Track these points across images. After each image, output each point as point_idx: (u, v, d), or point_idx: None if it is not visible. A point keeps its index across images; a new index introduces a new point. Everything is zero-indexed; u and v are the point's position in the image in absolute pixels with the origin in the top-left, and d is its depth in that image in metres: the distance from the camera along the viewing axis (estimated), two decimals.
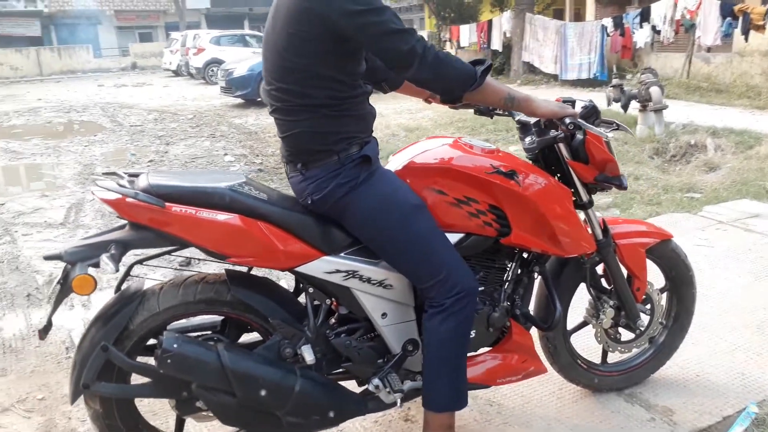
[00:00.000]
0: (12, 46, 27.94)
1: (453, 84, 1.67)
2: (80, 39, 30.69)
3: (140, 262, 1.89)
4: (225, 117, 11.48)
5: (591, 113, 1.99)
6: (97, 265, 1.61)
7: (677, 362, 2.49)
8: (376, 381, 1.88)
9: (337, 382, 1.91)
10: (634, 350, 2.35)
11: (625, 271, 2.19)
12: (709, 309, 2.93)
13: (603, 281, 2.24)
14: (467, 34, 17.21)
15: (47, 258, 1.67)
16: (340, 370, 1.91)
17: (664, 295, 2.37)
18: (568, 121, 1.77)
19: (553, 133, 1.96)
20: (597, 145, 1.95)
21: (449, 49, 18.44)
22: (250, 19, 37.43)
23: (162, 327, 1.81)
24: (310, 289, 1.82)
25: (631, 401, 2.31)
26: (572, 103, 1.95)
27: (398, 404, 1.89)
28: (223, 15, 36.05)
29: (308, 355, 1.76)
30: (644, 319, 2.29)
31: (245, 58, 14.16)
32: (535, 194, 1.87)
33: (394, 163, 1.94)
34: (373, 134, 1.89)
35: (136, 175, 1.76)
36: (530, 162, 2.06)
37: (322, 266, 1.77)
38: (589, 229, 2.09)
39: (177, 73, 22.56)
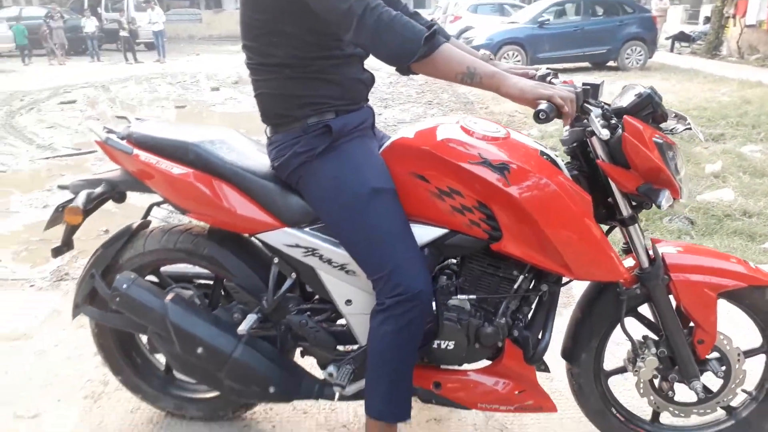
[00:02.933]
0: None
1: (393, 52, 1.40)
2: None
3: (158, 204, 2.00)
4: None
5: (642, 105, 1.52)
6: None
7: None
8: (330, 368, 1.76)
9: (294, 360, 1.83)
10: (695, 417, 1.81)
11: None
12: None
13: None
14: (756, 9, 14.49)
15: (60, 187, 1.87)
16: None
17: (760, 357, 1.77)
18: (541, 107, 1.36)
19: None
20: (635, 144, 1.49)
21: (732, 27, 15.82)
22: None
23: (156, 266, 1.92)
24: (276, 260, 1.74)
25: None
26: (592, 88, 1.50)
27: (335, 398, 1.74)
28: None
29: (246, 323, 1.70)
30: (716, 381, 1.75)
31: (491, 27, 13.99)
32: (528, 197, 1.50)
33: (391, 139, 1.73)
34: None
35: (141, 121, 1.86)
36: (567, 158, 1.68)
37: (283, 238, 1.67)
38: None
39: None
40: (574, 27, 12.86)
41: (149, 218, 1.97)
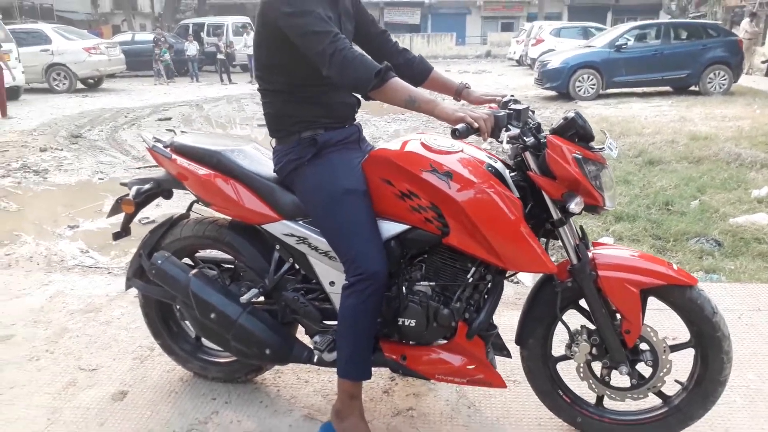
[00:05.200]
0: (395, 32, 32.66)
1: (354, 84, 1.79)
2: (450, 27, 34.06)
3: (197, 201, 2.47)
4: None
5: (567, 126, 1.83)
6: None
7: None
8: (316, 338, 2.15)
9: (289, 330, 2.23)
10: (630, 401, 2.04)
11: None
12: None
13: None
14: None
15: (121, 184, 2.39)
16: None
17: (688, 351, 1.99)
18: (457, 126, 1.69)
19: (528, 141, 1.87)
20: (555, 158, 1.80)
21: None
22: (614, 11, 35.99)
23: (192, 251, 2.39)
24: (277, 247, 2.16)
25: None
26: (515, 112, 1.82)
27: (313, 359, 2.12)
28: (587, 6, 35.46)
29: (247, 295, 2.13)
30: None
31: (567, 51, 14.05)
32: (466, 200, 1.83)
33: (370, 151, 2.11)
34: (355, 122, 2.14)
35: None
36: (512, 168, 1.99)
37: (281, 228, 2.09)
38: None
39: (519, 62, 23.31)
40: (653, 51, 12.73)
41: (191, 212, 2.44)
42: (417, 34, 33.32)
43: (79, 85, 16.56)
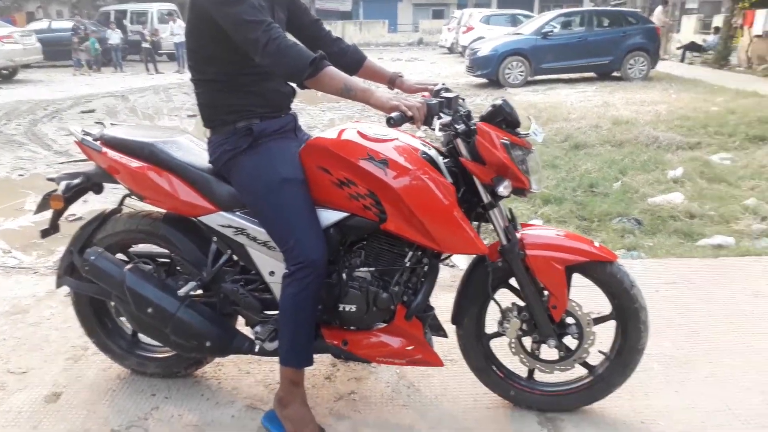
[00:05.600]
0: (326, 19, 32.39)
1: (289, 73, 1.81)
2: (381, 14, 34.03)
3: (129, 195, 2.42)
4: None
5: (495, 113, 1.91)
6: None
7: (634, 406, 2.22)
8: (257, 328, 2.16)
9: (229, 321, 2.23)
10: (558, 372, 2.16)
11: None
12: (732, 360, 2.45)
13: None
14: (763, 19, 14.66)
15: (48, 179, 2.31)
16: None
17: (610, 323, 2.13)
18: (391, 115, 1.74)
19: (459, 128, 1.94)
20: (484, 144, 1.88)
21: (741, 37, 15.98)
22: None
23: (125, 246, 2.34)
24: (215, 239, 2.15)
25: (545, 427, 2.15)
26: (446, 100, 1.89)
27: (255, 349, 2.14)
28: None
29: (185, 288, 2.12)
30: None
31: (496, 38, 14.35)
32: (402, 187, 1.88)
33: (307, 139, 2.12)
34: (291, 111, 2.15)
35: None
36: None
37: (217, 220, 2.08)
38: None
39: (451, 50, 23.60)
40: (578, 38, 13.18)
41: (123, 206, 2.39)
42: (349, 21, 33.17)
43: None
